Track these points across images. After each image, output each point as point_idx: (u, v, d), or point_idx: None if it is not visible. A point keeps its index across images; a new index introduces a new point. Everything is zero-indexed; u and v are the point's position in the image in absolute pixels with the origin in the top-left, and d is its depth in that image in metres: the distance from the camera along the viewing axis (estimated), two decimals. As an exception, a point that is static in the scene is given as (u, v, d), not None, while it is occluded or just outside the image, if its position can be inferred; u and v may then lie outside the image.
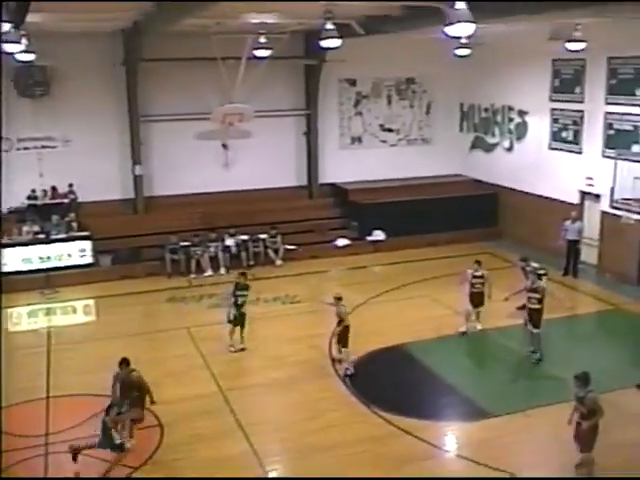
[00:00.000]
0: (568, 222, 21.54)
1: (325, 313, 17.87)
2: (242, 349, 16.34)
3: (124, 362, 12.22)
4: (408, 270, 22.59)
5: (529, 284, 15.82)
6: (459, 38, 19.21)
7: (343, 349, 15.46)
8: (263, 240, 23.42)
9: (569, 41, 19.27)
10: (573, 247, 21.63)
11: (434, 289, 20.42)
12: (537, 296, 15.38)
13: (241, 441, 12.34)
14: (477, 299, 17.28)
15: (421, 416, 13.43)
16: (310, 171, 26.50)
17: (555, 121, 23.64)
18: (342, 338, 15.40)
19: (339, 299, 15.50)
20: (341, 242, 24.62)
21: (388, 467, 11.73)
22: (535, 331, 15.45)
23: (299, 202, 26.12)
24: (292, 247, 23.61)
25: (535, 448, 12.30)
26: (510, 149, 25.97)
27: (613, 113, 21.20)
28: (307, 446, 12.35)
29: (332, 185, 26.84)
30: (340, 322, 15.50)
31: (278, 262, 23.15)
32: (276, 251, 23.36)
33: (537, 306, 15.38)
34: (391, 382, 14.95)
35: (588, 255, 22.00)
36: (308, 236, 24.63)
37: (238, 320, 16.35)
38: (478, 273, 17.29)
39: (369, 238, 25.05)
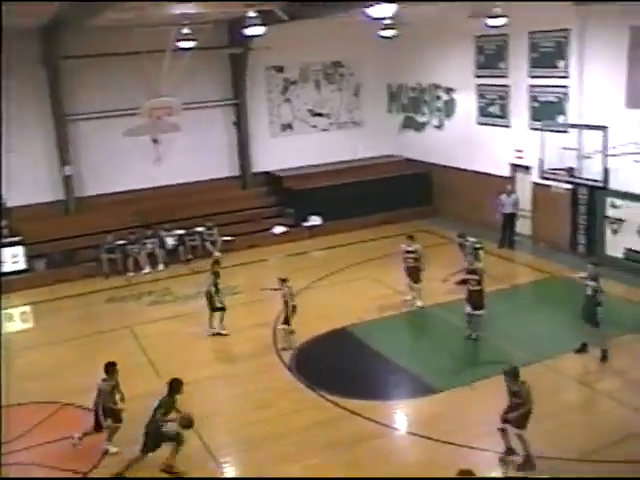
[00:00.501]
0: (504, 196, 21.92)
1: (266, 302, 17.89)
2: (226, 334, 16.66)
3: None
4: (347, 253, 22.72)
5: (467, 265, 15.99)
6: (382, 19, 19.37)
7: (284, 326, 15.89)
8: (200, 233, 23.24)
9: (490, 17, 19.52)
10: (509, 220, 22.01)
11: (374, 270, 20.57)
12: (476, 277, 15.45)
13: (191, 436, 12.22)
14: (412, 274, 17.53)
15: (369, 397, 13.55)
16: (242, 161, 26.36)
17: (482, 97, 23.98)
18: (287, 316, 15.79)
19: (284, 280, 15.85)
20: (278, 230, 24.62)
21: (340, 449, 11.80)
22: (478, 313, 15.47)
23: (233, 192, 25.98)
24: (229, 238, 23.49)
25: (483, 419, 12.46)
26: (440, 127, 26.25)
27: (537, 86, 21.60)
28: (259, 436, 12.33)
29: (266, 173, 26.77)
30: (286, 303, 15.73)
31: (216, 254, 22.97)
32: (213, 243, 23.21)
33: (477, 287, 15.42)
34: (337, 365, 15.02)
35: (522, 226, 22.43)
36: (245, 226, 24.54)
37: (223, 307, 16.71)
38: (411, 248, 17.54)
39: (306, 224, 25.08)
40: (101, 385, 11.96)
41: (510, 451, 11.27)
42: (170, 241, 22.84)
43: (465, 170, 24.77)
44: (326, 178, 25.78)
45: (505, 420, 11.09)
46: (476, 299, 15.43)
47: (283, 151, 26.61)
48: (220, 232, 23.40)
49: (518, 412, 10.96)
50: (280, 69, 26.68)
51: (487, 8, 19.29)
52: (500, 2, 18.98)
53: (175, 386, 11.38)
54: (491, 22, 19.62)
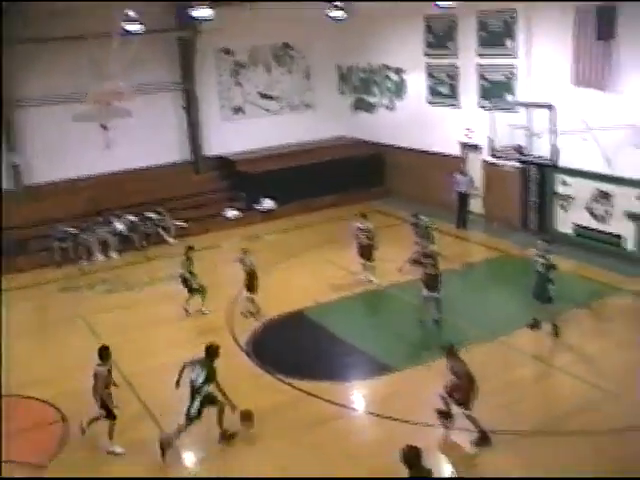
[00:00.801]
0: (459, 175, 22.09)
1: (221, 287, 17.82)
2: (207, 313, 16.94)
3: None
4: (301, 235, 22.74)
5: (420, 248, 16.03)
6: (331, 1, 19.34)
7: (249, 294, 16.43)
8: (152, 219, 23.02)
9: (440, -2, 19.61)
10: (463, 199, 22.23)
11: (328, 252, 20.63)
12: (431, 261, 15.39)
13: (148, 423, 12.17)
14: (365, 252, 17.65)
15: (326, 378, 13.65)
16: (194, 145, 26.13)
17: (431, 77, 24.10)
18: (251, 285, 16.37)
19: (246, 250, 16.66)
20: (231, 214, 24.52)
21: (299, 431, 11.87)
22: (435, 295, 15.42)
23: (185, 177, 25.75)
24: (181, 224, 23.32)
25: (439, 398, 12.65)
26: (391, 107, 26.32)
27: (486, 65, 21.77)
28: (214, 422, 12.28)
29: (218, 158, 26.58)
30: (249, 274, 16.34)
31: (170, 240, 22.82)
32: (165, 229, 23.02)
33: (432, 271, 15.34)
34: (294, 348, 15.08)
35: (474, 205, 22.64)
36: (198, 211, 24.39)
37: (203, 288, 16.99)
38: (363, 226, 17.66)
39: (259, 207, 25.02)
40: (97, 370, 11.79)
41: (446, 414, 11.53)
42: (122, 228, 22.58)
43: (416, 150, 24.90)
44: (279, 161, 25.69)
45: (447, 397, 11.39)
46: (432, 282, 15.37)
47: (235, 135, 26.43)
48: (173, 217, 23.22)
49: (460, 392, 11.20)
50: (230, 52, 26.45)
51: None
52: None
53: (212, 351, 11.72)
54: (440, 3, 19.67)
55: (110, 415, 11.68)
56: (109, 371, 11.90)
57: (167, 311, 17.32)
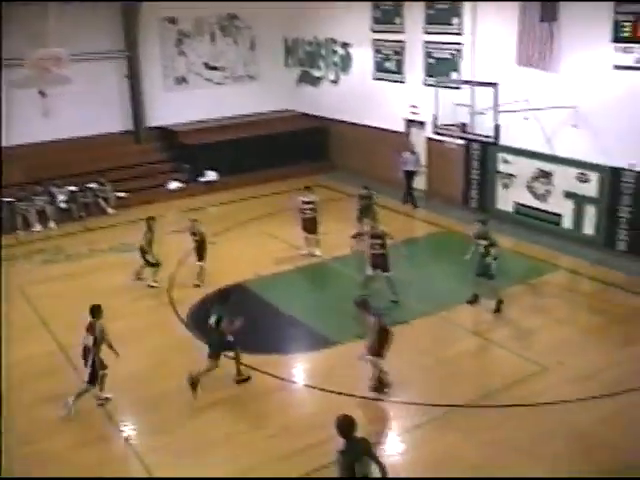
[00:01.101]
0: (407, 153, 22.07)
1: (162, 258, 17.60)
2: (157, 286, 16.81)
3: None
4: (243, 208, 22.60)
5: (369, 229, 15.94)
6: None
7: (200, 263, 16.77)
8: (92, 189, 22.60)
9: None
10: (410, 177, 22.14)
11: (270, 225, 20.57)
12: (379, 241, 15.22)
13: (86, 399, 12.00)
14: (310, 225, 17.65)
15: (268, 351, 13.65)
16: (136, 115, 25.66)
17: (378, 52, 24.07)
18: (200, 252, 16.74)
19: (195, 220, 16.92)
20: (173, 185, 24.25)
21: (240, 404, 11.89)
22: (386, 274, 15.31)
23: (127, 148, 25.31)
24: (123, 195, 22.97)
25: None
26: (336, 82, 26.24)
27: (432, 42, 21.83)
28: (157, 394, 12.24)
29: (160, 128, 26.17)
30: (197, 242, 16.72)
31: (110, 211, 22.48)
32: (106, 200, 22.64)
33: (381, 251, 15.25)
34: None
35: (418, 182, 22.75)
36: (139, 182, 24.02)
37: (158, 262, 16.99)
38: (308, 199, 17.62)
39: (202, 179, 24.79)
40: (96, 324, 11.88)
41: (380, 382, 11.97)
42: (61, 198, 22.13)
43: (361, 125, 24.93)
44: (222, 133, 25.45)
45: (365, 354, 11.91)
46: (381, 262, 15.30)
47: (178, 105, 26.05)
48: (114, 188, 22.84)
49: (370, 340, 11.80)
50: (174, 21, 25.99)
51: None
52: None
53: (227, 294, 12.45)
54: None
55: (93, 380, 11.73)
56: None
57: (107, 282, 17.05)
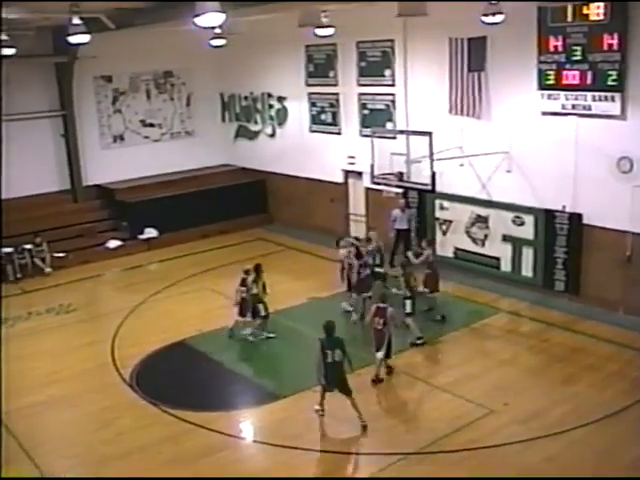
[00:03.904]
0: (396, 211, 20.92)
1: (103, 318, 17.34)
2: None
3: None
4: (184, 264, 22.40)
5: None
6: (212, 28, 19.25)
7: None
8: (29, 250, 22.17)
9: (318, 27, 19.85)
10: (403, 235, 20.95)
11: (212, 280, 20.41)
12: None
13: (25, 465, 11.63)
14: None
15: (212, 408, 13.43)
16: (72, 174, 25.35)
17: (313, 105, 24.37)
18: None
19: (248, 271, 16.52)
20: (112, 244, 23.95)
21: (186, 463, 11.60)
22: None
23: (64, 207, 24.91)
24: (61, 254, 22.59)
25: (328, 421, 12.69)
26: (273, 135, 26.44)
27: (366, 94, 22.22)
28: (99, 458, 11.91)
29: (98, 186, 25.92)
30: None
31: (47, 270, 22.04)
32: (44, 260, 22.23)
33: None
34: (178, 379, 14.77)
35: (356, 230, 22.85)
36: (77, 241, 23.64)
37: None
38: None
39: (141, 237, 24.55)
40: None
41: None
42: (-4, 260, 21.65)
43: (299, 177, 25.09)
44: (160, 189, 25.32)
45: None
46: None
47: (115, 163, 25.84)
48: (52, 248, 22.45)
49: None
50: (109, 79, 25.92)
51: (316, 18, 19.57)
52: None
53: (331, 325, 12.62)
54: (320, 32, 19.93)
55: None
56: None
57: (43, 345, 16.68)
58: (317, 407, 12.65)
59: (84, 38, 15.05)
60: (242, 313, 16.35)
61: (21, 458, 11.90)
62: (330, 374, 12.33)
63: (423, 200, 20.64)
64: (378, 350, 13.92)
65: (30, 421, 13.14)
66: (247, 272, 16.43)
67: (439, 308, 17.01)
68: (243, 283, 16.29)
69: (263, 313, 16.25)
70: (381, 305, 14.05)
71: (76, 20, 14.49)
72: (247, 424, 13.20)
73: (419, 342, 15.48)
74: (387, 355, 14.09)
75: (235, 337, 16.33)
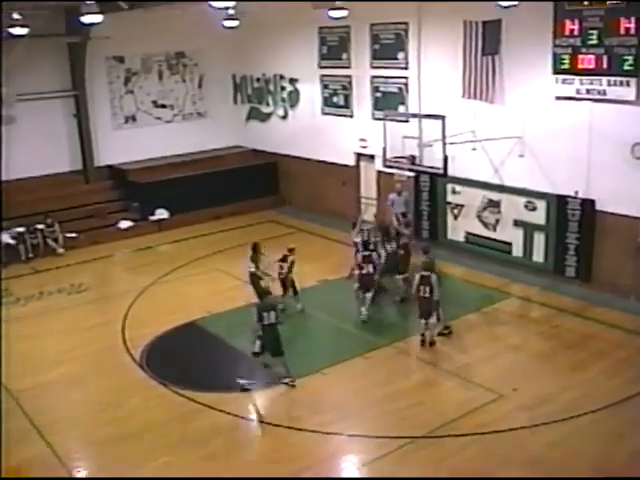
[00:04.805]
0: (392, 195, 20.93)
1: (114, 299, 17.40)
2: None
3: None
4: (195, 246, 22.45)
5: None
6: (225, 9, 19.22)
7: None
8: (41, 230, 22.24)
9: (332, 9, 19.75)
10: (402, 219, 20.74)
11: (223, 262, 20.44)
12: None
13: (38, 443, 11.73)
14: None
15: (222, 389, 13.47)
16: (84, 154, 25.40)
17: (325, 87, 24.29)
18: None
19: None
20: (124, 224, 24.00)
21: (196, 443, 11.67)
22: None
23: (76, 187, 24.99)
24: (72, 235, 22.67)
25: (335, 404, 12.75)
26: (285, 117, 26.38)
27: (378, 77, 22.11)
28: (110, 437, 11.99)
29: (109, 167, 25.96)
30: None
31: (60, 250, 22.13)
32: (56, 240, 22.31)
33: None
34: (188, 359, 14.85)
35: (368, 213, 22.87)
36: (89, 222, 23.73)
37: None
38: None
39: (152, 218, 24.59)
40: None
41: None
42: (9, 240, 21.72)
43: (310, 160, 25.03)
44: (172, 170, 25.35)
45: None
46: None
47: (127, 144, 25.85)
48: (63, 229, 22.53)
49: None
50: (121, 59, 25.88)
51: (329, -1, 19.51)
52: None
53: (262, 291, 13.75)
54: (333, 13, 19.84)
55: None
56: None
57: (55, 325, 16.77)
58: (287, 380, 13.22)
59: (97, 18, 15.08)
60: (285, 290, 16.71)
61: (33, 437, 12.00)
62: (266, 335, 13.18)
63: (435, 184, 20.57)
64: (426, 317, 14.56)
65: (41, 400, 13.27)
66: (290, 251, 16.69)
67: (402, 290, 16.90)
68: (284, 259, 16.58)
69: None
70: (424, 273, 14.54)
71: (89, 0, 14.47)
72: (256, 405, 13.24)
73: (446, 332, 15.32)
74: (438, 319, 14.67)
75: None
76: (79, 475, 11.24)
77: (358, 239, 17.29)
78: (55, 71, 24.55)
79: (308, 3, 21.43)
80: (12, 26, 19.35)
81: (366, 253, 16.44)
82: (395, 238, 17.34)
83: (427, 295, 14.50)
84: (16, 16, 19.02)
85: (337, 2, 19.32)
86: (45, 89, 24.16)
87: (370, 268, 16.24)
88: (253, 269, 16.42)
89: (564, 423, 11.72)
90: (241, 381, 13.36)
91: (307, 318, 16.35)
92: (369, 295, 16.23)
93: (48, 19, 20.75)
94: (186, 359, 14.89)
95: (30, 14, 19.40)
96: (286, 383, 13.38)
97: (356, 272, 16.57)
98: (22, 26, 19.41)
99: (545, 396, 12.58)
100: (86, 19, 15.00)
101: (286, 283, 16.67)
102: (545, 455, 10.96)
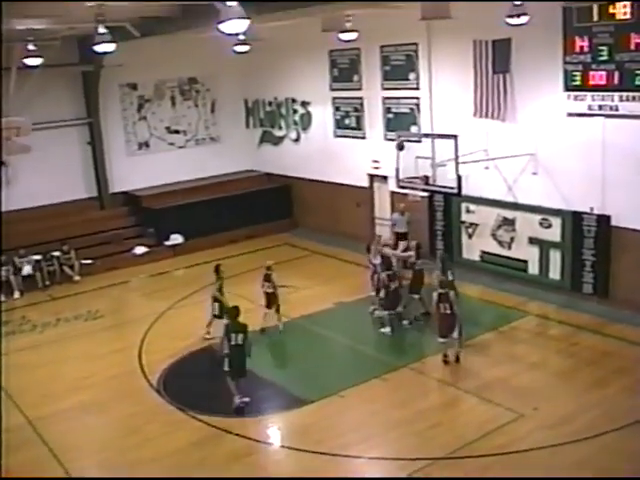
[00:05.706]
0: (395, 214, 21.28)
1: (130, 325, 17.42)
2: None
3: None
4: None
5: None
6: (236, 35, 19.34)
7: None
8: (57, 257, 22.36)
9: (342, 32, 19.88)
10: (402, 239, 20.85)
11: (237, 286, 20.26)
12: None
13: (57, 471, 11.71)
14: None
15: (240, 413, 13.42)
16: (99, 181, 25.59)
17: (337, 109, 24.39)
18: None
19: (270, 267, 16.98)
20: (139, 250, 24.09)
21: (215, 469, 11.63)
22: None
23: (91, 214, 25.14)
24: (88, 261, 22.77)
25: (354, 426, 12.67)
26: (297, 140, 26.48)
27: (390, 98, 22.20)
28: (129, 463, 11.97)
29: (124, 193, 26.12)
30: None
31: (76, 278, 22.22)
32: (72, 267, 22.41)
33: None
34: (205, 384, 14.76)
35: (383, 234, 22.77)
36: (104, 248, 23.84)
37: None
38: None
39: (167, 243, 24.67)
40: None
41: None
42: (26, 267, 21.84)
43: (323, 182, 25.09)
44: (186, 196, 25.45)
45: None
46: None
47: (141, 170, 26.04)
48: (79, 255, 22.63)
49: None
50: (134, 86, 26.13)
51: (339, 22, 19.63)
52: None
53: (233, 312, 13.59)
54: (343, 36, 19.96)
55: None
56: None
57: (72, 352, 16.80)
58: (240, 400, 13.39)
59: (110, 47, 15.17)
60: (268, 306, 16.93)
61: (52, 465, 11.99)
62: (233, 356, 13.28)
63: (449, 203, 20.55)
64: (445, 336, 14.65)
65: (60, 427, 13.25)
66: (269, 268, 16.90)
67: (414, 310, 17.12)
68: (267, 278, 16.87)
69: (217, 312, 16.61)
70: (442, 291, 14.62)
71: (101, 29, 14.59)
72: (274, 429, 13.20)
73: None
74: (460, 334, 14.74)
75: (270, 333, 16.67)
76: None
77: (377, 260, 17.23)
78: (70, 99, 24.83)
79: (318, 26, 21.57)
80: (27, 57, 19.62)
81: (390, 272, 16.50)
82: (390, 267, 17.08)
83: (448, 312, 14.55)
84: (31, 47, 19.27)
85: (347, 24, 19.43)
86: (60, 117, 24.42)
87: (396, 283, 16.47)
88: (217, 294, 16.80)
89: (587, 442, 11.57)
90: (237, 400, 13.41)
91: (323, 340, 16.29)
92: (392, 313, 16.37)
93: (61, 49, 20.95)
94: (203, 383, 14.84)
95: (44, 45, 19.65)
96: (243, 402, 13.49)
97: (382, 293, 16.52)
98: (36, 56, 19.67)
99: (566, 415, 12.45)
100: (99, 48, 15.11)
101: (271, 299, 16.86)
102: (567, 475, 10.81)
